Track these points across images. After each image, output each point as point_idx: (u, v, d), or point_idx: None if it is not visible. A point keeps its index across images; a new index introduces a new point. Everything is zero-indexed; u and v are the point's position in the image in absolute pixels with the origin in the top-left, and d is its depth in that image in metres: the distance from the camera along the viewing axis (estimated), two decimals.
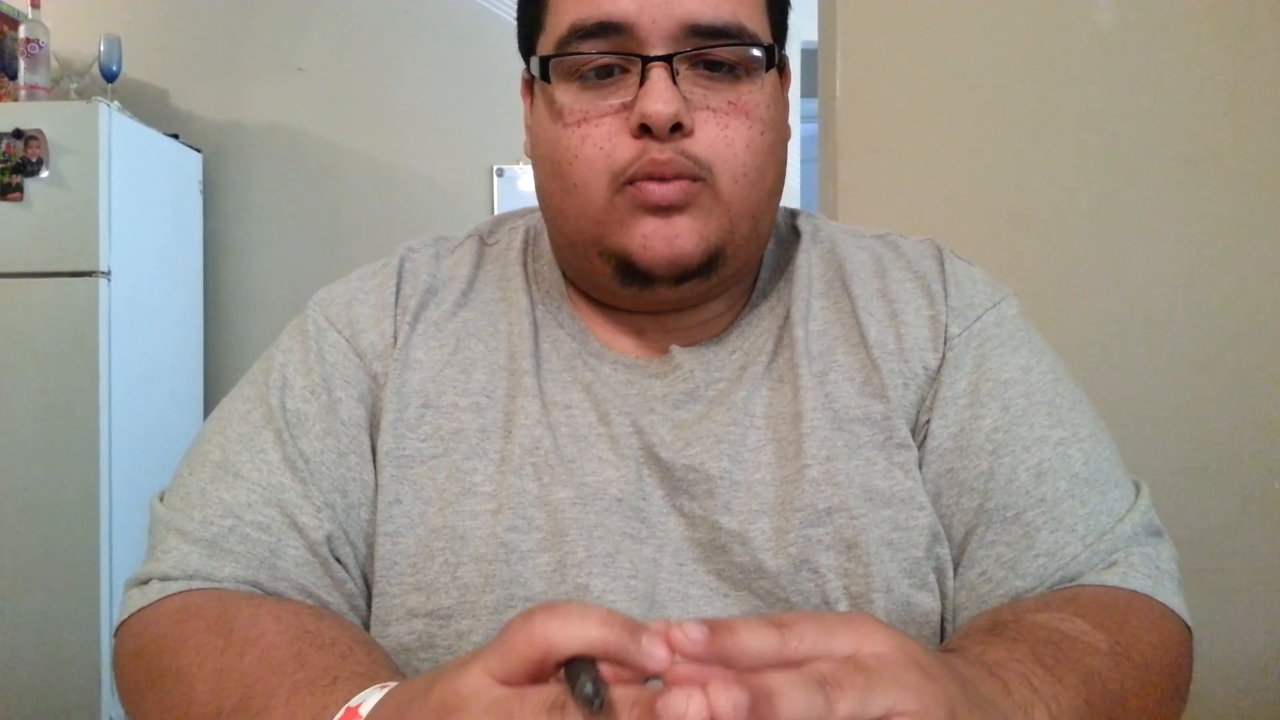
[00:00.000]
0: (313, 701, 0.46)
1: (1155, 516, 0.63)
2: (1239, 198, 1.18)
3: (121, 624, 0.59)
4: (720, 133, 0.59)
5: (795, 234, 0.72)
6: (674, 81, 0.58)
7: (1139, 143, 1.19)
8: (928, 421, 0.63)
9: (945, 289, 0.66)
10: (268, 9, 2.85)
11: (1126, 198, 1.20)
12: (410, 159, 2.83)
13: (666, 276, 0.60)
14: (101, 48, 2.53)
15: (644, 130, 0.58)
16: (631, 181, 0.59)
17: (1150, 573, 0.59)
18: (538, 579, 0.58)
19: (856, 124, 1.25)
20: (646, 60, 0.58)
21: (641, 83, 0.58)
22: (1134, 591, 0.57)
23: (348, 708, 0.44)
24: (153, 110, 2.75)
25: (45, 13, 2.47)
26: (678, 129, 0.58)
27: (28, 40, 2.40)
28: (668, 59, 0.58)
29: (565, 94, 0.61)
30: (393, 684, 0.45)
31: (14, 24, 2.51)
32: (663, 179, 0.58)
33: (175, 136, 2.64)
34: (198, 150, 2.73)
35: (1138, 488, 0.64)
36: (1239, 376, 1.17)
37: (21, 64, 2.40)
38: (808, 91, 2.88)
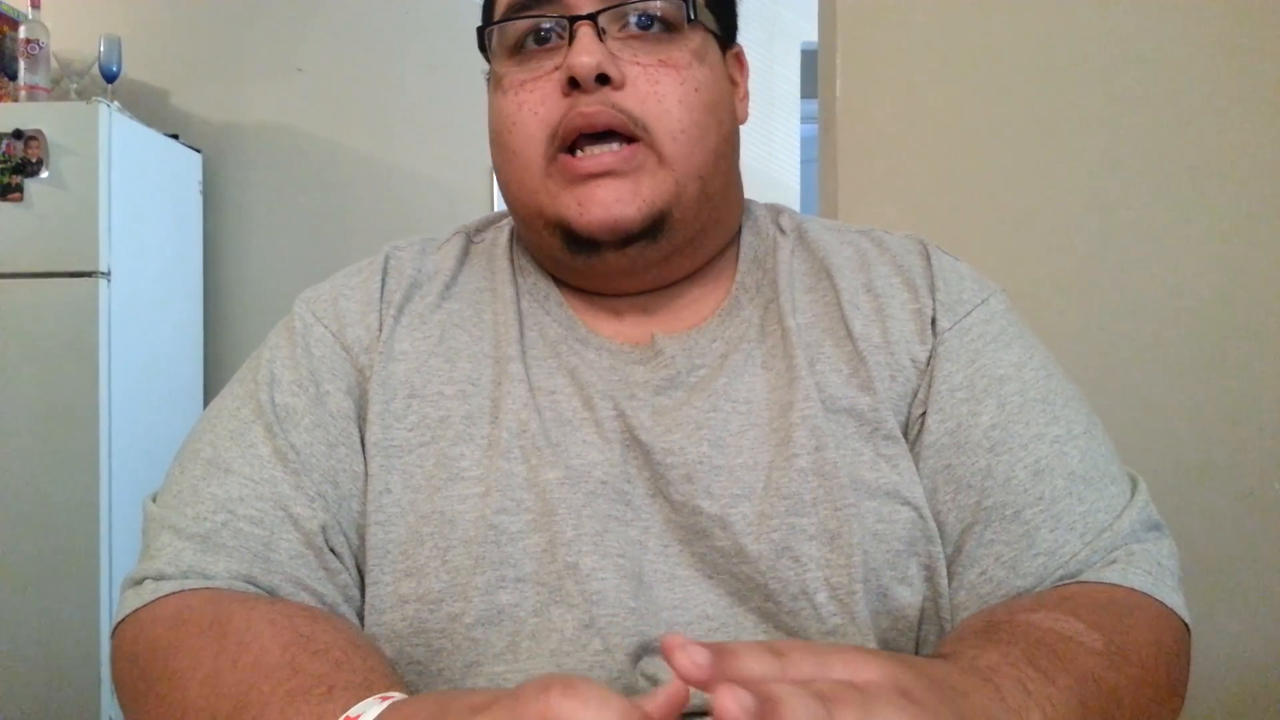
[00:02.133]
0: (308, 711, 0.46)
1: (1154, 511, 0.63)
2: (1239, 198, 1.18)
3: (118, 625, 0.58)
4: (651, 89, 0.62)
5: (776, 230, 0.72)
6: (600, 39, 0.61)
7: (1139, 143, 1.19)
8: (922, 415, 0.63)
9: (931, 283, 0.66)
10: (268, 9, 2.85)
11: (1126, 197, 1.19)
12: (410, 159, 2.83)
13: (609, 240, 0.62)
14: (101, 48, 2.53)
15: (573, 85, 0.60)
16: (564, 146, 0.61)
17: (1151, 569, 0.58)
18: (528, 559, 0.59)
19: (856, 124, 1.25)
20: (573, 20, 0.61)
21: (570, 43, 0.61)
22: (1132, 589, 0.57)
23: (346, 717, 0.44)
24: (153, 110, 2.75)
25: (45, 13, 2.47)
26: (605, 81, 0.61)
27: (28, 40, 2.40)
28: (592, 17, 0.61)
29: (504, 65, 0.65)
30: (392, 695, 0.46)
31: (14, 24, 2.51)
32: (593, 131, 0.61)
33: (175, 137, 2.64)
34: (198, 151, 2.73)
35: (1134, 482, 0.64)
36: (1239, 376, 1.17)
37: (21, 64, 2.40)
38: (808, 92, 2.88)
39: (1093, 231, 1.20)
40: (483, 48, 0.68)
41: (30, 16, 2.45)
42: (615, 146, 0.61)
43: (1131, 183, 1.19)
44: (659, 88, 0.61)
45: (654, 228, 0.62)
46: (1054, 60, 1.21)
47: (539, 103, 0.62)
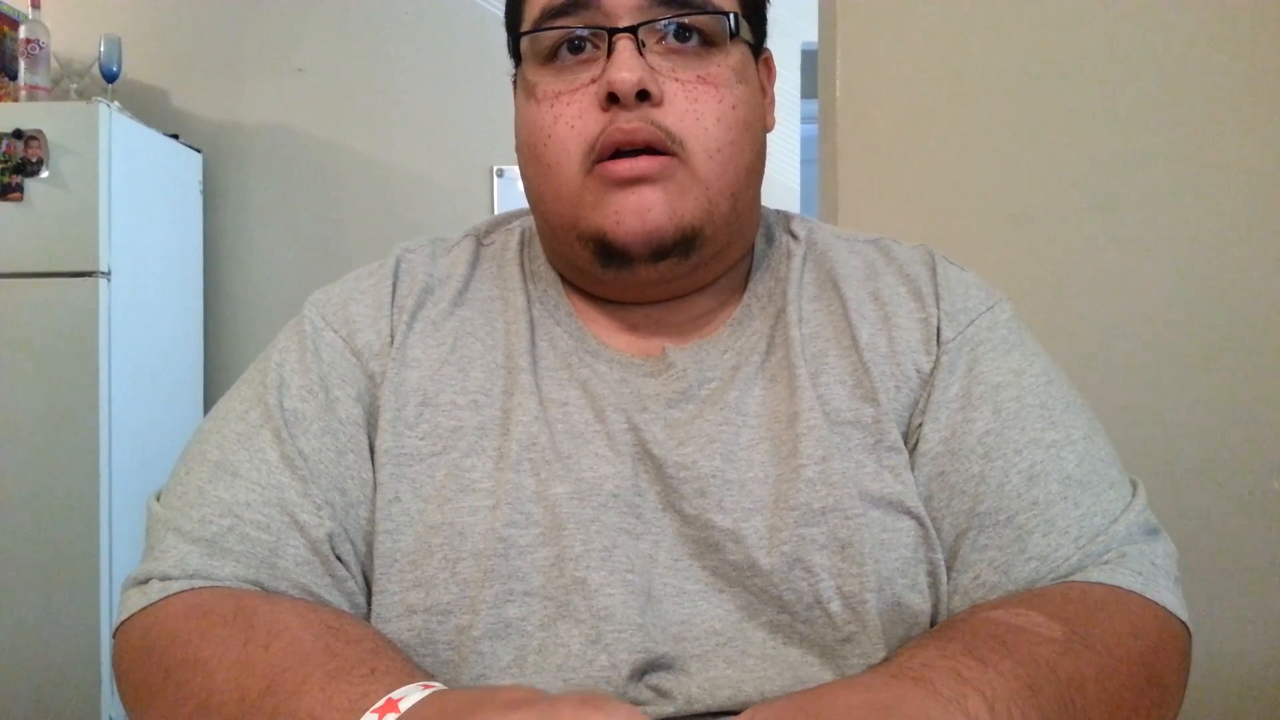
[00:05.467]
0: (350, 690, 0.47)
1: (1151, 516, 0.62)
2: (1238, 198, 1.18)
3: (124, 622, 0.58)
4: (690, 105, 0.61)
5: (788, 237, 0.72)
6: (640, 52, 0.60)
7: (1138, 143, 1.19)
8: (920, 425, 0.63)
9: (937, 293, 0.66)
10: (268, 9, 2.85)
11: (1125, 198, 1.19)
12: (410, 159, 2.83)
13: (642, 253, 0.61)
14: (101, 48, 2.53)
15: (611, 100, 0.60)
16: (601, 158, 0.60)
17: (1142, 569, 0.58)
18: (536, 573, 0.59)
19: (856, 124, 1.25)
20: (612, 32, 0.60)
21: (609, 55, 0.60)
22: (1116, 587, 0.57)
23: (389, 698, 0.45)
24: (153, 110, 2.75)
25: (45, 13, 2.47)
26: (645, 97, 0.60)
27: (28, 40, 2.40)
28: (633, 30, 0.60)
29: (538, 74, 0.63)
30: (434, 684, 0.46)
31: (14, 24, 2.51)
32: (631, 148, 0.60)
33: (175, 136, 2.64)
34: (198, 150, 2.73)
35: (1134, 487, 0.64)
36: (1239, 376, 1.17)
37: (22, 64, 2.40)
38: (808, 92, 2.88)
39: (1092, 232, 1.20)
40: (513, 51, 0.67)
41: (30, 16, 2.45)
42: (649, 157, 0.60)
43: (1131, 183, 1.19)
44: (697, 105, 0.61)
45: (686, 243, 0.62)
46: (1054, 60, 1.21)
47: (576, 116, 0.61)
